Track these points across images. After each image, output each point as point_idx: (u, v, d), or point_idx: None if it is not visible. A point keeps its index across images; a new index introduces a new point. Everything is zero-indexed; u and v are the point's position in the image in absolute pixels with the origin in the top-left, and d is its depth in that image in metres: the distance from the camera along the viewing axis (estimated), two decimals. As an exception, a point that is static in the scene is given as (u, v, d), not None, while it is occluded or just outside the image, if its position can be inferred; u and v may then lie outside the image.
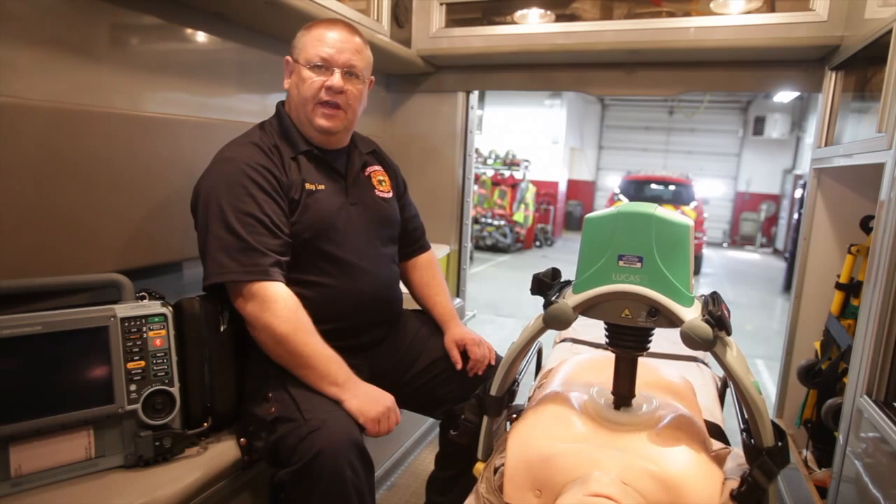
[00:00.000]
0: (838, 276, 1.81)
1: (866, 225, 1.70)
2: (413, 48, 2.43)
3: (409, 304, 1.64)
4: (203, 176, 1.31)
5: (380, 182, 1.54)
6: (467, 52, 2.38)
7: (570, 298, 0.95)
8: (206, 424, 1.27)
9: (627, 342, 0.97)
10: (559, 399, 1.04)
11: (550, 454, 0.92)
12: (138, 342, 1.17)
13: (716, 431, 1.14)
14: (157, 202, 1.48)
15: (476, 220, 10.16)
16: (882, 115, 1.31)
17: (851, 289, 1.77)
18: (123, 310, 1.17)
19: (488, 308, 5.82)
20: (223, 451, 1.25)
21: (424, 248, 1.71)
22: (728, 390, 1.36)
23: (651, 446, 0.91)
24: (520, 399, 1.22)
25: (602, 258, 0.92)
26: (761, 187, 13.78)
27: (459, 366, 1.49)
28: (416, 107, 2.66)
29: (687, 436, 0.93)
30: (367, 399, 1.21)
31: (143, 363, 1.17)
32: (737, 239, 14.08)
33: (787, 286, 7.10)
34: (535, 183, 11.32)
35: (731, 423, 1.16)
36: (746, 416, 0.92)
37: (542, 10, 2.38)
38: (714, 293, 0.95)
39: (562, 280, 1.04)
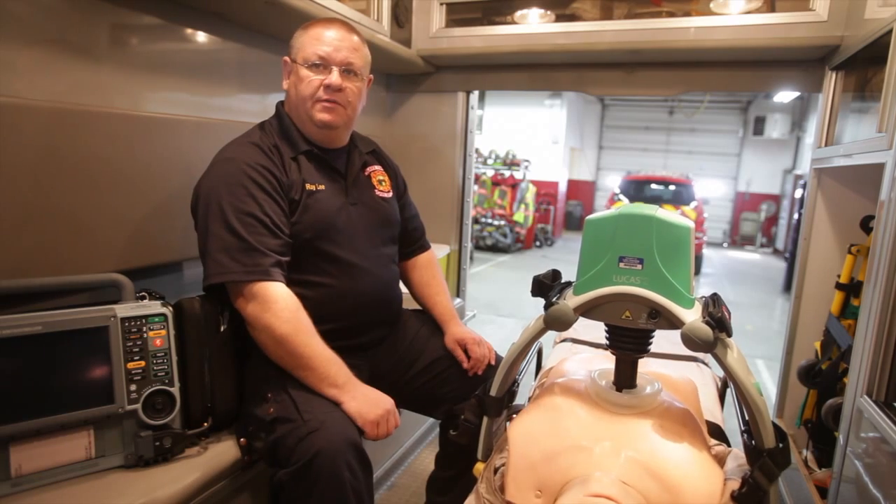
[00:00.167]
0: (838, 276, 1.81)
1: (866, 225, 1.70)
2: (413, 48, 2.42)
3: (408, 303, 1.64)
4: (203, 176, 1.31)
5: (380, 182, 1.54)
6: (467, 52, 2.38)
7: (571, 300, 0.95)
8: (206, 424, 1.27)
9: (628, 344, 0.97)
10: (559, 388, 1.04)
11: (551, 453, 0.92)
12: (138, 342, 1.17)
13: (716, 432, 1.14)
14: (157, 202, 1.48)
15: (476, 220, 10.16)
16: (882, 115, 1.31)
17: (852, 289, 1.76)
18: (123, 310, 1.17)
19: (488, 308, 5.82)
20: (223, 451, 1.25)
21: (424, 247, 1.71)
22: (728, 391, 1.36)
23: (652, 441, 0.91)
24: (520, 399, 1.22)
25: (603, 260, 0.92)
26: (761, 187, 13.78)
27: (466, 364, 1.49)
28: (416, 107, 2.66)
29: (688, 433, 0.93)
30: (366, 401, 1.21)
31: (143, 363, 1.17)
32: (737, 239, 14.08)
33: (788, 286, 7.10)
34: (535, 183, 11.32)
35: (732, 424, 1.16)
36: (747, 417, 0.92)
37: (542, 10, 2.38)
38: (714, 294, 0.95)
39: (562, 281, 1.04)
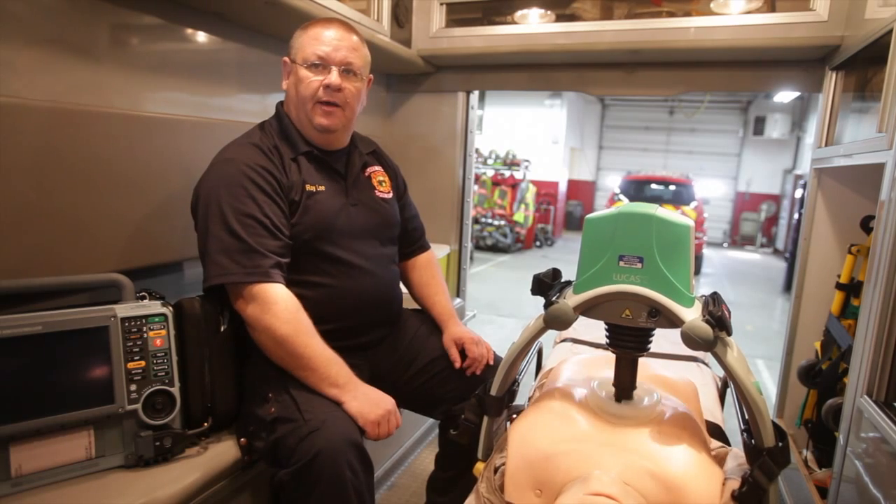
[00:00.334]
0: (838, 276, 1.81)
1: (866, 225, 1.70)
2: (413, 48, 2.42)
3: (408, 303, 1.64)
4: (203, 177, 1.31)
5: (380, 182, 1.54)
6: (467, 52, 2.38)
7: (571, 299, 0.95)
8: (206, 424, 1.27)
9: (628, 343, 0.97)
10: (560, 394, 1.04)
11: (551, 453, 0.92)
12: (138, 342, 1.17)
13: (716, 431, 1.14)
14: (157, 202, 1.48)
15: (476, 220, 10.16)
16: (882, 115, 1.31)
17: (852, 289, 1.76)
18: (124, 310, 1.17)
19: (488, 308, 5.82)
20: (223, 451, 1.25)
21: (424, 247, 1.71)
22: (728, 390, 1.36)
23: (652, 445, 0.91)
24: (520, 399, 1.22)
25: (602, 258, 0.92)
26: (761, 187, 13.78)
27: (458, 364, 1.49)
28: (416, 107, 2.66)
29: (688, 435, 0.93)
30: (367, 401, 1.21)
31: (143, 363, 1.17)
32: (737, 239, 14.08)
33: (788, 286, 7.10)
34: (535, 183, 11.32)
35: (732, 423, 1.16)
36: (747, 416, 0.92)
37: (542, 10, 2.38)
38: (714, 293, 0.95)
39: (562, 280, 1.04)
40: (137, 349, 1.17)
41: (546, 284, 1.01)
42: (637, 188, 11.58)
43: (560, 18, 2.36)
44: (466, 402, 1.16)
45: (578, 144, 14.12)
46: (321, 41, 1.34)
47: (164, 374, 1.19)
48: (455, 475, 1.55)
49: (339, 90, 1.34)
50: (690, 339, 0.85)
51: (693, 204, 10.51)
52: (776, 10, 2.03)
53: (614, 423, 0.95)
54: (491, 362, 1.51)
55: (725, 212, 14.38)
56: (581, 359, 1.29)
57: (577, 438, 0.93)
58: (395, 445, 2.22)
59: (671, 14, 2.20)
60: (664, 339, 1.18)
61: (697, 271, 8.95)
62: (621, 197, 11.07)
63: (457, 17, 2.47)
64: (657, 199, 10.67)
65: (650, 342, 0.99)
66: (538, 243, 11.59)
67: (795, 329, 2.10)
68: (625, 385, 1.00)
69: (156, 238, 1.49)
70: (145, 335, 1.18)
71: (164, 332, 1.21)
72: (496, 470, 1.02)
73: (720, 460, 0.98)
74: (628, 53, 2.17)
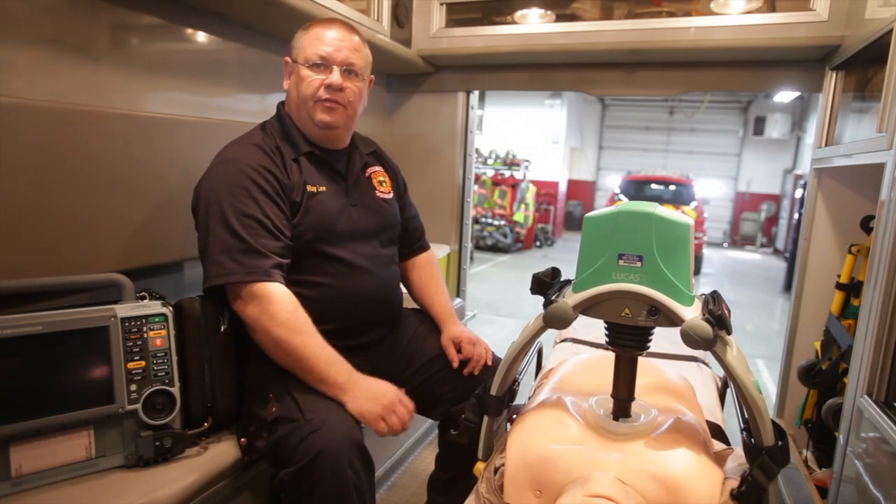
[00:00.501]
0: (839, 276, 1.81)
1: (866, 225, 1.70)
2: (413, 48, 2.43)
3: (408, 303, 1.64)
4: (204, 177, 1.31)
5: (380, 183, 1.54)
6: (467, 52, 2.38)
7: (570, 298, 0.95)
8: (206, 424, 1.27)
9: (627, 341, 0.97)
10: (558, 405, 1.04)
11: (550, 455, 0.92)
12: (139, 342, 1.17)
13: (716, 431, 1.14)
14: (157, 202, 1.48)
15: (476, 220, 10.16)
16: (882, 115, 1.31)
17: (852, 289, 1.76)
18: (124, 310, 1.17)
19: (488, 308, 5.82)
20: (223, 451, 1.25)
21: (424, 248, 1.71)
22: (728, 390, 1.36)
23: (651, 444, 0.91)
24: (520, 399, 1.22)
25: (602, 257, 0.92)
26: (762, 187, 13.78)
27: (456, 363, 1.49)
28: (417, 107, 2.66)
29: (687, 437, 0.93)
30: (367, 400, 1.21)
31: (143, 363, 1.17)
32: (737, 239, 14.08)
33: (788, 286, 7.10)
34: (535, 183, 11.32)
35: (732, 423, 1.16)
36: (747, 415, 0.92)
37: (542, 10, 2.38)
38: (714, 292, 0.95)
39: (561, 279, 1.04)
40: (137, 349, 1.17)
41: (545, 283, 1.01)
42: (637, 188, 11.58)
43: (560, 18, 2.36)
44: (466, 402, 1.15)
45: (578, 144, 14.12)
46: (323, 41, 1.34)
47: (164, 374, 1.19)
48: (455, 475, 1.55)
49: (340, 90, 1.34)
50: (690, 338, 0.85)
51: (693, 204, 10.51)
52: (776, 10, 2.03)
53: (612, 438, 0.95)
54: (489, 362, 1.51)
55: (725, 212, 14.38)
56: (580, 360, 1.29)
57: (577, 438, 0.93)
58: (395, 445, 2.22)
59: (671, 14, 2.20)
60: (664, 339, 1.18)
61: (697, 271, 8.96)
62: (621, 197, 11.07)
63: (457, 17, 2.47)
64: (657, 199, 10.55)
65: (650, 341, 0.99)
66: (538, 243, 11.59)
67: (795, 329, 2.10)
68: (623, 392, 1.00)
69: (156, 238, 1.49)
70: (145, 335, 1.18)
71: (164, 332, 1.21)
72: (496, 470, 1.02)
73: (720, 460, 0.98)
74: (628, 53, 2.17)
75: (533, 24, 2.37)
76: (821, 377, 1.75)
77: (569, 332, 1.62)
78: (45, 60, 1.25)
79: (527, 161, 11.07)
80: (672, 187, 11.50)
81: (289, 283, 1.26)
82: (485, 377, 1.41)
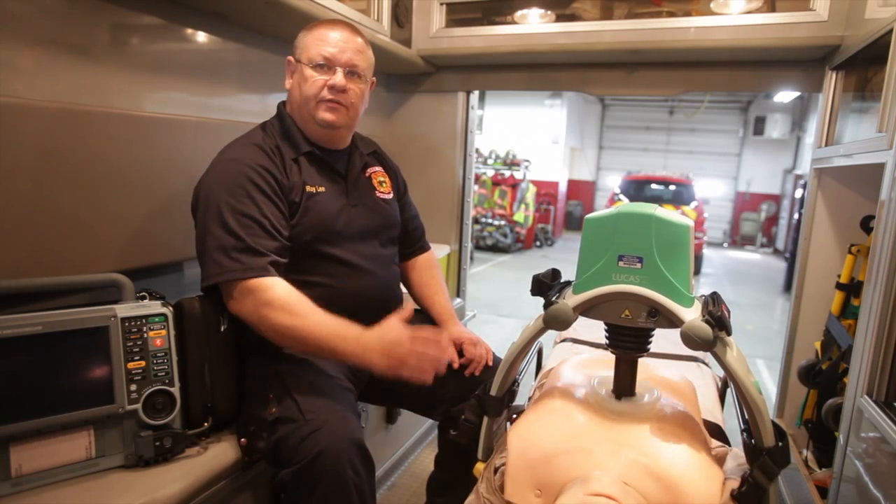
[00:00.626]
0: (839, 276, 1.81)
1: (866, 225, 1.70)
2: (413, 48, 2.43)
3: (408, 303, 1.64)
4: (204, 176, 1.31)
5: (380, 183, 1.54)
6: (467, 52, 2.38)
7: (570, 299, 0.95)
8: (206, 424, 1.27)
9: (627, 343, 0.97)
10: (559, 393, 1.04)
11: (551, 453, 0.92)
12: (139, 342, 1.17)
13: (716, 431, 1.14)
14: (157, 202, 1.48)
15: (476, 220, 10.16)
16: (882, 115, 1.31)
17: (852, 289, 1.76)
18: (124, 310, 1.17)
19: (488, 308, 5.82)
20: (223, 451, 1.25)
21: (424, 248, 1.71)
22: (728, 390, 1.36)
23: (652, 443, 0.91)
24: (520, 399, 1.22)
25: (602, 258, 0.92)
26: (762, 187, 13.78)
27: (457, 364, 1.48)
28: (417, 107, 2.66)
29: (688, 434, 0.93)
30: (381, 356, 1.15)
31: (143, 363, 1.17)
32: (737, 239, 14.08)
33: (788, 286, 7.10)
34: (535, 183, 11.32)
35: (732, 423, 1.16)
36: (747, 416, 0.92)
37: (542, 10, 2.38)
38: (714, 293, 0.95)
39: (562, 280, 1.04)
40: (137, 349, 1.17)
41: (545, 285, 1.01)
42: (637, 188, 11.58)
43: (560, 18, 2.36)
44: (466, 402, 1.15)
45: (578, 144, 14.12)
46: (327, 42, 1.34)
47: (164, 374, 1.19)
48: (455, 475, 1.55)
49: (343, 91, 1.34)
50: (690, 340, 0.85)
51: (693, 204, 10.51)
52: (776, 10, 2.03)
53: (614, 419, 0.95)
54: (490, 363, 1.51)
55: (725, 212, 14.38)
56: (581, 359, 1.29)
57: (578, 437, 0.93)
58: (395, 445, 2.23)
59: (671, 14, 2.20)
60: (664, 339, 1.18)
61: (697, 271, 8.96)
62: (621, 197, 11.07)
63: (457, 17, 2.47)
64: (657, 199, 10.67)
65: (650, 342, 0.99)
66: (538, 243, 11.59)
67: (795, 329, 2.10)
68: (625, 385, 1.00)
69: (156, 238, 1.49)
70: (145, 335, 1.18)
71: (164, 332, 1.21)
72: (496, 470, 1.03)
73: (720, 460, 0.98)
74: (628, 53, 2.17)
75: (533, 24, 2.37)
76: (821, 377, 1.75)
77: (569, 332, 1.62)
78: (45, 60, 1.25)
79: (527, 161, 11.07)
80: (672, 187, 11.49)
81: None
82: (485, 378, 1.41)
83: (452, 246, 2.70)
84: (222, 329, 1.31)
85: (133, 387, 1.15)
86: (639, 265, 0.90)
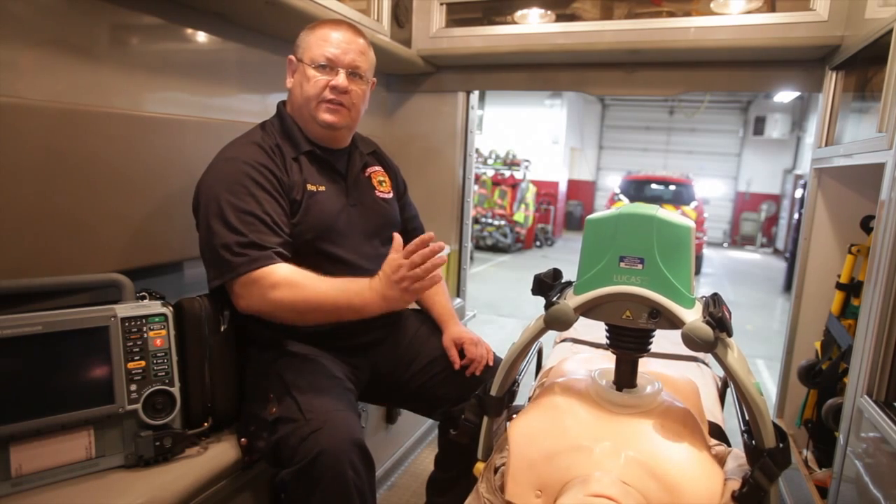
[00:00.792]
0: (839, 276, 1.81)
1: (866, 225, 1.70)
2: (413, 48, 2.42)
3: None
4: (204, 175, 1.31)
5: (380, 183, 1.54)
6: (467, 52, 2.38)
7: (571, 299, 0.95)
8: (206, 424, 1.27)
9: (628, 343, 0.97)
10: (560, 387, 1.04)
11: (552, 452, 0.92)
12: (139, 342, 1.17)
13: (716, 431, 1.14)
14: (157, 202, 1.48)
15: (476, 220, 10.16)
16: (882, 115, 1.31)
17: (852, 289, 1.76)
18: (124, 310, 1.17)
19: (488, 308, 5.82)
20: (223, 451, 1.25)
21: (424, 248, 1.70)
22: (728, 391, 1.36)
23: (653, 441, 0.91)
24: (520, 399, 1.22)
25: (603, 259, 0.92)
26: (762, 187, 13.78)
27: (458, 365, 1.49)
28: (417, 107, 2.66)
29: (689, 433, 0.93)
30: (390, 291, 1.17)
31: (143, 363, 1.17)
32: (737, 239, 14.08)
33: (788, 286, 7.10)
34: (535, 183, 11.32)
35: (732, 424, 1.16)
36: (747, 417, 0.92)
37: (542, 10, 2.38)
38: (715, 294, 0.95)
39: (563, 281, 1.04)
40: (137, 349, 1.17)
41: (546, 285, 1.01)
42: (637, 188, 11.58)
43: (560, 18, 2.36)
44: (466, 402, 1.15)
45: (578, 144, 14.12)
46: (330, 42, 1.34)
47: (164, 374, 1.19)
48: (455, 475, 1.55)
49: (345, 92, 1.34)
50: (691, 341, 0.85)
51: (693, 204, 10.51)
52: (776, 10, 2.03)
53: (615, 412, 0.95)
54: (490, 363, 1.51)
55: (725, 212, 14.38)
56: (581, 357, 1.29)
57: (578, 435, 0.93)
58: (395, 445, 2.23)
59: (671, 14, 2.20)
60: (665, 339, 1.18)
61: (697, 271, 8.94)
62: (621, 197, 11.07)
63: (457, 17, 2.47)
64: (657, 199, 10.68)
65: (650, 343, 0.99)
66: (538, 243, 11.59)
67: (795, 329, 2.10)
68: (625, 382, 1.00)
69: (156, 238, 1.49)
70: (145, 335, 1.18)
71: (164, 332, 1.21)
72: (496, 470, 1.02)
73: (720, 460, 0.98)
74: (628, 53, 2.17)
75: (533, 24, 2.37)
76: (821, 377, 1.75)
77: (569, 332, 1.61)
78: (45, 60, 1.25)
79: (527, 161, 11.07)
80: (672, 187, 11.50)
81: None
82: (485, 377, 1.41)
83: (452, 246, 2.70)
84: (222, 329, 1.31)
85: (133, 387, 1.15)
86: (640, 266, 0.90)
